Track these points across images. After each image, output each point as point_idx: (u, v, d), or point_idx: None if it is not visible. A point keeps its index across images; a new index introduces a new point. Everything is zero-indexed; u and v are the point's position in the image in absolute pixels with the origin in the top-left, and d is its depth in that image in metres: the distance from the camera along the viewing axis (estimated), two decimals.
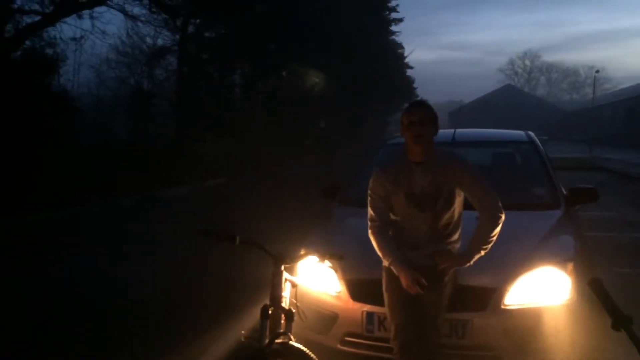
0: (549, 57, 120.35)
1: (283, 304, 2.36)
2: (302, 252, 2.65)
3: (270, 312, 2.29)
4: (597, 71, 42.60)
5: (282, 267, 2.37)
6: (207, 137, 24.14)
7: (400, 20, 40.81)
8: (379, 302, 2.85)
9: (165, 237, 7.82)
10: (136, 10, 18.64)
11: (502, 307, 2.83)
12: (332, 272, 3.13)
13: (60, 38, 15.25)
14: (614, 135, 44.26)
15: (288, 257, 2.40)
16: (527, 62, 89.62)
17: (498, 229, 2.64)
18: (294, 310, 2.35)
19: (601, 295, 1.40)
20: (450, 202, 2.72)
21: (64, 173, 12.31)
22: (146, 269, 5.96)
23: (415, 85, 48.40)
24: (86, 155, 14.99)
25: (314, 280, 3.17)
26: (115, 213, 10.69)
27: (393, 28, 41.22)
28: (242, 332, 2.61)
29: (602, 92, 63.87)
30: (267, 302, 2.33)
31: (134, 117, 22.86)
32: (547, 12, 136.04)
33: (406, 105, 2.92)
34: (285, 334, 2.29)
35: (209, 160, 18.57)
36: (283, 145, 25.88)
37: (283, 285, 2.42)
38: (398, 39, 43.36)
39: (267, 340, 2.25)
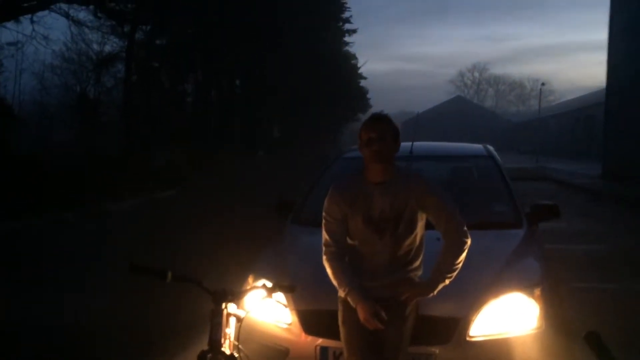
0: (496, 70, 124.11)
1: (224, 348, 2.05)
2: (247, 285, 2.35)
3: (209, 358, 1.98)
4: (543, 84, 44.07)
5: (223, 306, 2.06)
6: (159, 147, 23.40)
7: (354, 31, 41.04)
8: (334, 335, 2.58)
9: (100, 259, 7.02)
10: (81, 15, 17.86)
11: (468, 338, 2.61)
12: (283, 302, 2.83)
13: None
14: (559, 146, 45.88)
15: (230, 294, 2.09)
16: (476, 74, 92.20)
17: (464, 255, 2.42)
18: (236, 355, 2.04)
19: (601, 354, 1.17)
20: (412, 227, 2.48)
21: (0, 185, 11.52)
22: (72, 299, 5.26)
23: (368, 95, 48.79)
24: (25, 166, 14.12)
25: (263, 310, 2.86)
26: (54, 229, 9.98)
27: (347, 39, 41.43)
28: None
29: (547, 103, 66.27)
30: (206, 346, 2.01)
31: (79, 125, 21.87)
32: (495, 27, 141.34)
33: (365, 117, 2.66)
34: None
35: (159, 171, 17.91)
36: (237, 155, 25.38)
37: (225, 324, 2.11)
38: (352, 49, 43.61)
39: None
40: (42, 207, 10.69)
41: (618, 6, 20.61)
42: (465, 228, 2.46)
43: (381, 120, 2.48)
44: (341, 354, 2.61)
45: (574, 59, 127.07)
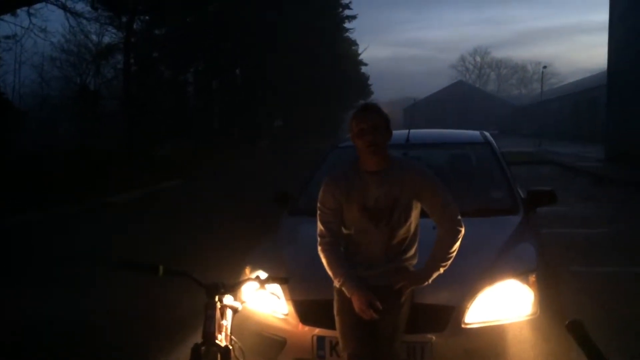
0: (498, 54, 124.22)
1: (219, 340, 2.06)
2: (244, 277, 2.36)
3: (202, 351, 1.99)
4: (545, 67, 43.74)
5: (216, 298, 2.08)
6: (160, 138, 23.38)
7: (354, 17, 40.83)
8: (330, 325, 2.59)
9: (98, 254, 6.83)
10: (79, 6, 17.78)
11: (463, 326, 2.62)
12: (278, 293, 2.85)
13: None
14: (561, 129, 45.63)
15: (222, 287, 2.10)
16: (478, 59, 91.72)
17: (458, 244, 2.42)
18: (230, 347, 2.06)
19: (583, 342, 1.17)
20: (407, 215, 2.48)
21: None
22: (67, 295, 5.24)
23: (369, 82, 48.54)
24: (26, 159, 14.15)
25: (259, 301, 2.87)
26: (56, 223, 10.00)
27: (347, 25, 41.14)
28: None
29: (549, 86, 65.69)
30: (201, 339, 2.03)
31: (80, 117, 21.85)
32: (496, 10, 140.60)
33: (359, 104, 2.63)
34: None
35: (160, 162, 17.92)
36: (239, 146, 25.37)
37: (221, 316, 2.13)
38: (352, 36, 43.35)
39: None
40: (44, 201, 10.71)
41: None
42: (459, 217, 2.47)
43: (372, 110, 2.47)
44: (337, 343, 2.63)
45: (577, 40, 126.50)
